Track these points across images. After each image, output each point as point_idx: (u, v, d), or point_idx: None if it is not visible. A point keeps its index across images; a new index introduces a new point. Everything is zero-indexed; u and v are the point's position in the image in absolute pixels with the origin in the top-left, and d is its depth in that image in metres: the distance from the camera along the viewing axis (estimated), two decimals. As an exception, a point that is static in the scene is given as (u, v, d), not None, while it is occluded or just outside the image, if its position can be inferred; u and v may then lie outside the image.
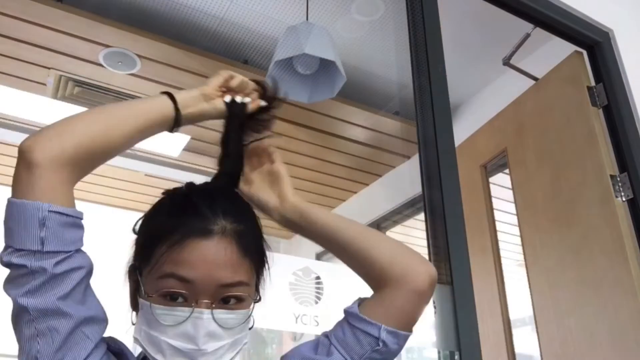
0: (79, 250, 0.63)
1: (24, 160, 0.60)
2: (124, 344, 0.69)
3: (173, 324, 0.62)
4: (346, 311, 0.76)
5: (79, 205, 0.66)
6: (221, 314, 0.64)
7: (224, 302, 0.65)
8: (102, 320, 0.65)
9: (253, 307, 0.69)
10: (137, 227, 0.72)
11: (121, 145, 0.67)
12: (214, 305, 0.63)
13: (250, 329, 0.70)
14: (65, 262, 0.61)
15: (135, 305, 0.70)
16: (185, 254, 0.63)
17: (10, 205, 0.61)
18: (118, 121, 0.67)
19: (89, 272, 0.65)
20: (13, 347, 0.62)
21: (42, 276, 0.59)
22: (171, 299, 0.63)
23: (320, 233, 0.77)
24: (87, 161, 0.65)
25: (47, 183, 0.61)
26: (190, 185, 0.73)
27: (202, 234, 0.64)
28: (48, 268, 0.59)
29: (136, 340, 0.66)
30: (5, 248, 0.61)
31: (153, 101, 0.72)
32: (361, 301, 0.77)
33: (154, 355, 0.64)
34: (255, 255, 0.68)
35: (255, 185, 0.81)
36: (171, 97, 0.73)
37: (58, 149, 0.61)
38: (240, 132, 0.78)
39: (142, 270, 0.67)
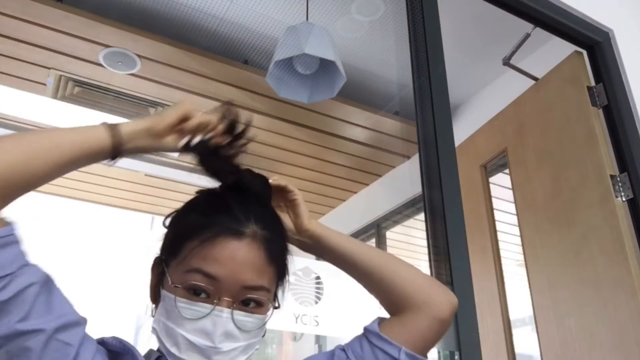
0: (23, 267, 0.57)
1: None
2: (129, 343, 0.69)
3: (193, 318, 0.63)
4: (367, 329, 0.78)
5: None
6: (240, 315, 0.65)
7: (244, 304, 0.66)
8: (76, 322, 0.61)
9: (271, 314, 0.70)
10: (167, 222, 0.73)
11: (46, 176, 0.60)
12: (234, 305, 0.64)
13: (262, 336, 0.71)
14: (11, 285, 0.55)
15: (154, 298, 0.71)
16: (215, 250, 0.65)
17: None
18: (40, 152, 0.59)
19: (45, 283, 0.59)
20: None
21: None
22: (194, 293, 0.64)
23: (339, 258, 0.80)
24: (5, 190, 0.57)
25: None
26: (224, 186, 0.73)
27: (234, 234, 0.66)
28: None
29: (154, 330, 0.67)
30: None
31: (85, 132, 0.64)
32: (381, 320, 0.79)
33: (169, 348, 0.64)
34: (279, 264, 0.70)
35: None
36: (111, 128, 0.65)
37: None
38: (209, 167, 0.71)
39: (169, 263, 0.68)
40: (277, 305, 0.72)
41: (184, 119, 0.70)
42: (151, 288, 0.72)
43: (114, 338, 0.68)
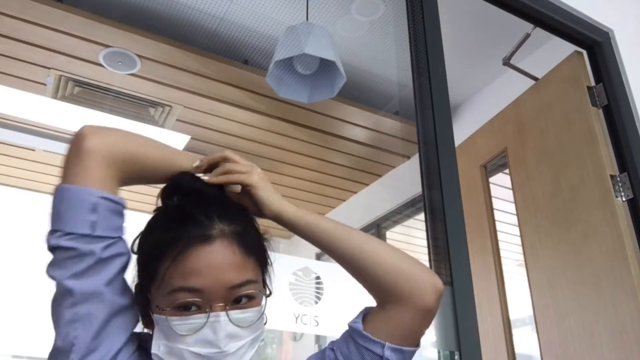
0: (121, 238, 0.68)
1: (81, 143, 0.66)
2: None
3: (192, 333, 0.63)
4: (350, 327, 0.76)
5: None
6: (236, 314, 0.65)
7: (236, 302, 0.66)
8: (135, 312, 0.69)
9: (266, 303, 0.70)
10: (136, 247, 0.71)
11: (148, 175, 0.74)
12: (227, 308, 0.64)
13: (265, 324, 0.71)
14: (112, 247, 0.65)
15: (147, 323, 0.71)
16: (190, 263, 0.64)
17: (61, 190, 0.65)
18: (155, 153, 0.75)
19: (129, 260, 0.68)
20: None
21: (90, 259, 0.63)
22: (185, 309, 0.64)
23: (317, 243, 0.76)
24: (127, 170, 0.70)
25: (99, 173, 0.66)
26: (179, 191, 0.72)
27: (203, 240, 0.65)
28: (97, 252, 0.63)
29: (155, 356, 0.66)
30: (52, 232, 0.65)
31: (182, 156, 0.79)
32: (366, 312, 0.76)
33: None
34: (257, 252, 0.70)
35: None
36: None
37: (113, 145, 0.68)
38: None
39: (150, 288, 0.67)
40: (268, 292, 0.71)
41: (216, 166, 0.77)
42: (141, 314, 0.71)
43: (150, 336, 0.69)
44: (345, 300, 1.32)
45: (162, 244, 0.66)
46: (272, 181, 0.78)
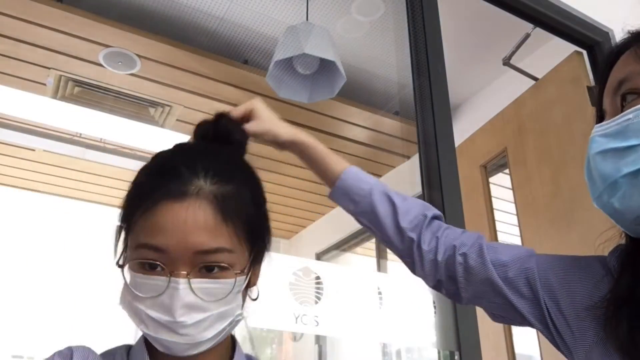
0: None
1: None
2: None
3: (151, 295, 0.58)
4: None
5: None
6: (200, 283, 0.58)
7: (208, 270, 0.59)
8: None
9: (247, 277, 0.62)
10: None
11: None
12: (189, 275, 0.58)
13: (255, 299, 0.66)
14: None
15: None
16: (157, 219, 0.58)
17: None
18: None
19: None
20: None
21: None
22: (150, 267, 0.59)
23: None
24: None
25: None
26: (181, 143, 0.68)
27: (176, 196, 0.58)
28: None
29: (123, 308, 0.63)
30: None
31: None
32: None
33: (138, 326, 0.61)
34: (242, 221, 0.61)
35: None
36: None
37: None
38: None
39: (127, 236, 0.63)
40: (246, 269, 0.62)
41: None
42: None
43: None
44: (345, 300, 1.32)
45: (139, 193, 0.61)
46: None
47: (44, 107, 2.64)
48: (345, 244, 3.59)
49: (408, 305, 1.39)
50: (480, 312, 1.40)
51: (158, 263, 0.58)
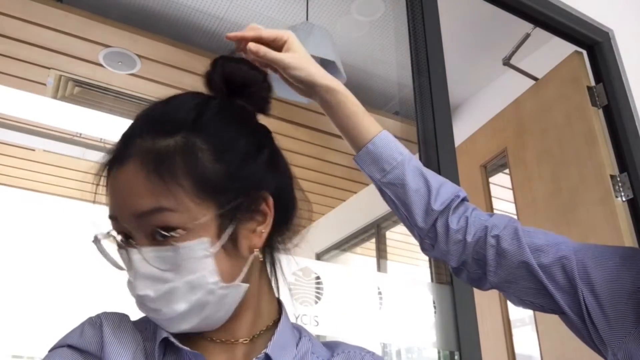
0: None
1: None
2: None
3: (127, 271, 0.55)
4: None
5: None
6: (151, 251, 0.52)
7: (163, 236, 0.52)
8: None
9: (225, 240, 0.54)
10: None
11: None
12: (134, 243, 0.53)
13: (262, 260, 0.60)
14: None
15: None
16: (108, 190, 0.55)
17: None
18: None
19: None
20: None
21: None
22: (122, 241, 0.55)
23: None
24: None
25: None
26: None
27: (118, 160, 0.54)
28: None
29: None
30: None
31: None
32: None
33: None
34: (194, 177, 0.53)
35: None
36: None
37: None
38: None
39: None
40: (213, 231, 0.53)
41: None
42: None
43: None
44: (345, 300, 1.32)
45: (104, 165, 0.57)
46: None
47: (44, 107, 2.63)
48: (345, 244, 3.59)
49: (408, 305, 1.39)
50: (480, 312, 1.40)
51: (120, 236, 0.55)
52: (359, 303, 1.34)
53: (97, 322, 0.57)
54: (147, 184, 0.52)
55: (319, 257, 3.49)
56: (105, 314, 0.59)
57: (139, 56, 2.38)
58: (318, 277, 1.33)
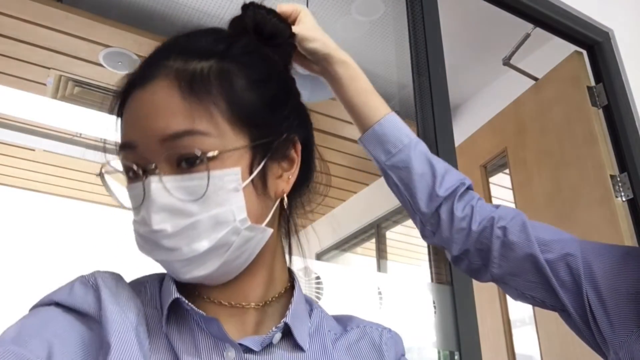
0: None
1: None
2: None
3: (135, 207, 0.49)
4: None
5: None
6: (175, 180, 0.47)
7: (188, 164, 0.47)
8: None
9: (255, 174, 0.49)
10: None
11: None
12: (157, 171, 0.47)
13: (286, 209, 0.56)
14: None
15: None
16: (125, 115, 0.50)
17: None
18: None
19: None
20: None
21: None
22: (134, 174, 0.49)
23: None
24: None
25: None
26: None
27: (140, 82, 0.49)
28: None
29: None
30: None
31: None
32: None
33: (139, 250, 0.51)
34: (228, 101, 0.49)
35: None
36: None
37: None
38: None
39: None
40: (247, 163, 0.49)
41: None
42: None
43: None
44: (345, 300, 1.32)
45: (120, 92, 0.52)
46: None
47: (44, 107, 2.63)
48: (345, 244, 3.59)
49: (408, 305, 1.39)
50: (480, 312, 1.40)
51: (133, 162, 0.49)
52: (359, 303, 1.34)
53: (90, 281, 0.50)
54: (182, 102, 0.47)
55: (319, 257, 3.49)
56: (99, 272, 0.52)
57: (139, 56, 2.38)
58: (318, 277, 1.33)
